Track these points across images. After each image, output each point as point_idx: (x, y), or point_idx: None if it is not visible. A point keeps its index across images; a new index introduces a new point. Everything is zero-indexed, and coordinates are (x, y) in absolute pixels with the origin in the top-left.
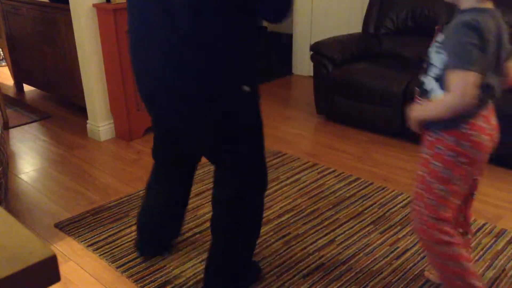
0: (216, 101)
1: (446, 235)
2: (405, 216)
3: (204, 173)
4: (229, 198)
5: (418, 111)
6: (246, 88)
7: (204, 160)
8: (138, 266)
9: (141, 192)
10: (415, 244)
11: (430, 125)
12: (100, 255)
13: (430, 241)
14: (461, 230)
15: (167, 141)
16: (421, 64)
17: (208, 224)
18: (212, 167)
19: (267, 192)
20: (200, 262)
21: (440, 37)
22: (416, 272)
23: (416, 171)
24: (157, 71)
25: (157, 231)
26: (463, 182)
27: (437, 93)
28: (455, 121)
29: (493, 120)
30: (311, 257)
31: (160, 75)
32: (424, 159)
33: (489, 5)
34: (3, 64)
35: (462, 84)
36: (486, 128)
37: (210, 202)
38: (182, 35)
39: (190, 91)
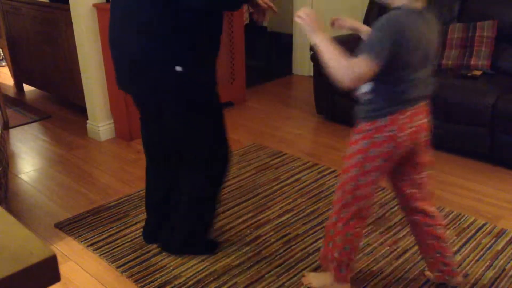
0: (148, 74)
1: (351, 214)
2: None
3: None
4: (189, 190)
5: (316, 32)
6: (179, 68)
7: None
8: (138, 266)
9: (141, 192)
10: (415, 244)
11: (358, 115)
12: (100, 255)
13: (336, 214)
14: (431, 222)
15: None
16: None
17: None
18: None
19: (267, 192)
20: (200, 262)
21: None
22: (416, 272)
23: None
24: (119, 52)
25: (154, 214)
26: (376, 173)
27: (365, 86)
28: (376, 113)
29: (420, 121)
30: (311, 257)
31: (120, 55)
32: (350, 141)
33: (420, 5)
34: (3, 64)
35: (360, 67)
36: (407, 126)
37: None
38: (128, 25)
39: (130, 64)
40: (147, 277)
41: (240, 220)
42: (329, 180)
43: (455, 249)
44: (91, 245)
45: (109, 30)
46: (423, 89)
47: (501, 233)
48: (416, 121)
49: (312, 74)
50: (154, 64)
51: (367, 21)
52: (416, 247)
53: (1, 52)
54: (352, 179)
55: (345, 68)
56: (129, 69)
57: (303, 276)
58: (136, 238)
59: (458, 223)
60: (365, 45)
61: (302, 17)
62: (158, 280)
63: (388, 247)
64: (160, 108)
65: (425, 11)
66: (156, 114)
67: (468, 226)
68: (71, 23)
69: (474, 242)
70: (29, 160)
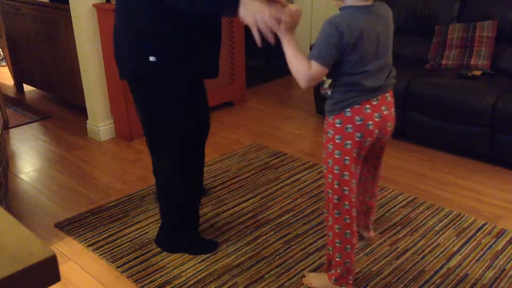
0: (128, 64)
1: (345, 214)
2: (405, 216)
3: (204, 173)
4: (163, 181)
5: (290, 40)
6: (152, 58)
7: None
8: (138, 266)
9: (141, 192)
10: (415, 244)
11: (326, 111)
12: (100, 255)
13: (331, 216)
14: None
15: None
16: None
17: (209, 223)
18: (211, 168)
19: (267, 192)
20: (200, 262)
21: None
22: (416, 272)
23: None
24: (120, 53)
25: None
26: (355, 165)
27: (326, 82)
28: (338, 105)
29: (386, 111)
30: (311, 257)
31: (121, 55)
32: (324, 142)
33: (368, 2)
34: (3, 64)
35: (312, 71)
36: (373, 115)
37: (210, 202)
38: (128, 26)
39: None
40: (147, 277)
41: (240, 220)
42: None
43: (455, 249)
44: (91, 245)
45: (113, 30)
46: (380, 79)
47: (501, 233)
48: (381, 111)
49: None
50: (152, 63)
51: None
52: (416, 247)
53: (1, 52)
54: (336, 178)
55: (302, 70)
56: (126, 68)
57: (303, 276)
58: (136, 238)
59: (458, 223)
60: (314, 50)
61: (292, 15)
62: (158, 280)
63: (388, 247)
64: (152, 102)
65: (377, 5)
66: (150, 109)
67: (468, 226)
68: (71, 23)
69: (474, 242)
70: (29, 160)
